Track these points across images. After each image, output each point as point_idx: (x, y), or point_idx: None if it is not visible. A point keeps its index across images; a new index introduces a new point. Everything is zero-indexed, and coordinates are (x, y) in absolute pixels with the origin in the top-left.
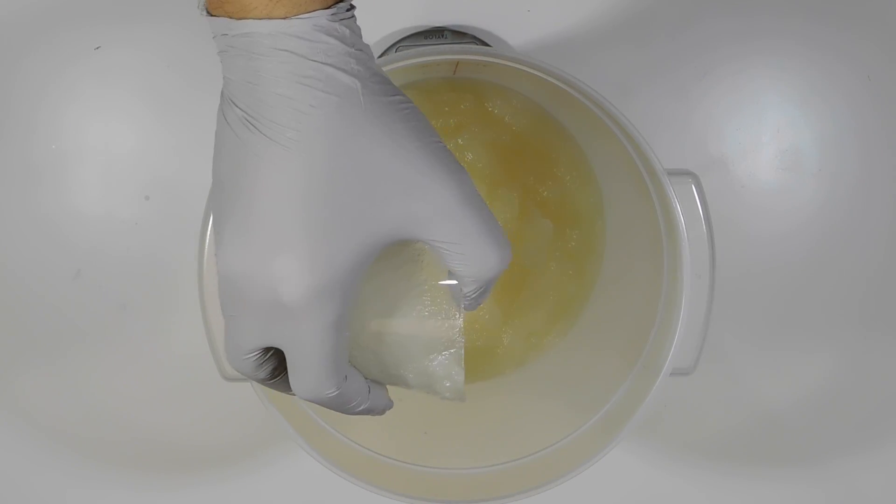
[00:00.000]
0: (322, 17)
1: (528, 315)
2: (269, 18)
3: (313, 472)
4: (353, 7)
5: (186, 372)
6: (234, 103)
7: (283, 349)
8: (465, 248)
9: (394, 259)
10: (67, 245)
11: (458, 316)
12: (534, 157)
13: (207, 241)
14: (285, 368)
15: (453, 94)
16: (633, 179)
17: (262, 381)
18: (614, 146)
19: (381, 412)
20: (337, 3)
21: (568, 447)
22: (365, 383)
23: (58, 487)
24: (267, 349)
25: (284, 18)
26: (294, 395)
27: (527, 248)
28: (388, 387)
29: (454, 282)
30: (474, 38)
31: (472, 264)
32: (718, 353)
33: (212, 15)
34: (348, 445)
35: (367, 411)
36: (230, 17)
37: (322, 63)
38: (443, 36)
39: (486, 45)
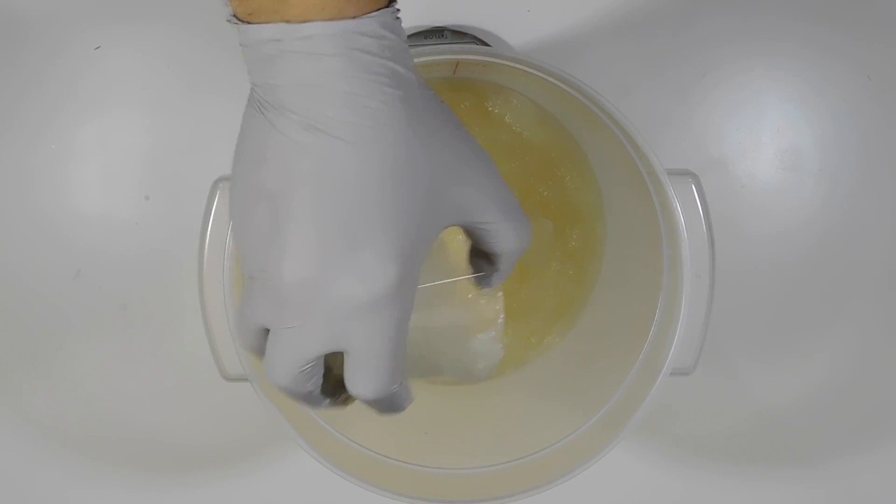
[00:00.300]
0: (387, 14)
1: (528, 315)
2: (338, 19)
3: (313, 472)
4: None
5: (186, 372)
6: (289, 109)
7: (348, 351)
8: (503, 227)
9: None
10: (67, 245)
11: (498, 294)
12: (534, 156)
13: (207, 241)
14: (324, 378)
15: (453, 94)
16: (633, 179)
17: (306, 395)
18: (614, 146)
19: (404, 408)
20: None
21: (568, 447)
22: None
23: (58, 487)
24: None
25: (354, 18)
26: (323, 406)
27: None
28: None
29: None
30: (474, 38)
31: (510, 241)
32: (718, 353)
33: (248, 23)
34: (348, 445)
35: (402, 408)
36: (287, 23)
37: (388, 59)
38: (443, 36)
39: (486, 45)
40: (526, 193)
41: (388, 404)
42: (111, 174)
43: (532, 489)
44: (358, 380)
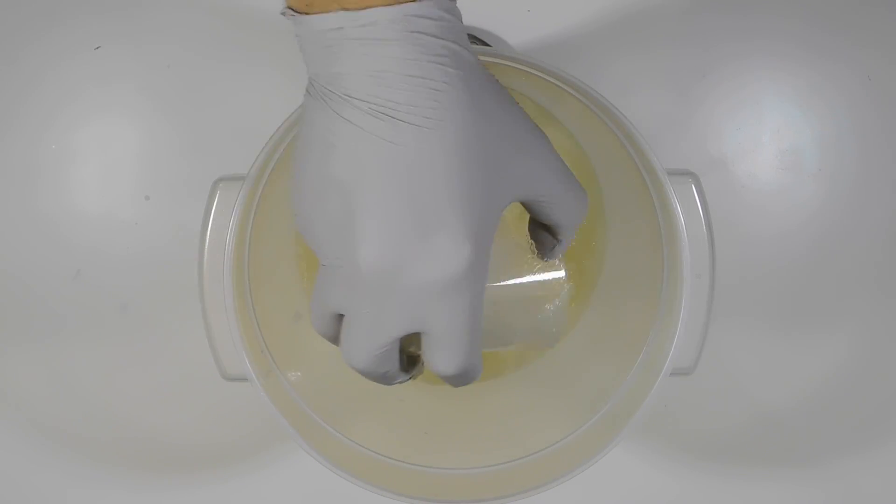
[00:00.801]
0: None
1: None
2: (398, 4)
3: (313, 472)
4: None
5: (186, 372)
6: (354, 97)
7: (426, 332)
8: (564, 198)
9: None
10: (67, 245)
11: (560, 267)
12: None
13: (207, 241)
14: (400, 357)
15: None
16: (633, 179)
17: (382, 375)
18: (614, 146)
19: (477, 379)
20: None
21: (568, 447)
22: None
23: (58, 487)
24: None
25: (413, 1)
26: (396, 382)
27: None
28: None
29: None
30: (474, 38)
31: (570, 211)
32: (718, 353)
33: (306, 14)
34: (348, 445)
35: (476, 379)
36: (346, 10)
37: (448, 41)
38: None
39: (487, 45)
40: None
41: (464, 377)
42: (111, 174)
43: (532, 489)
44: (438, 358)
